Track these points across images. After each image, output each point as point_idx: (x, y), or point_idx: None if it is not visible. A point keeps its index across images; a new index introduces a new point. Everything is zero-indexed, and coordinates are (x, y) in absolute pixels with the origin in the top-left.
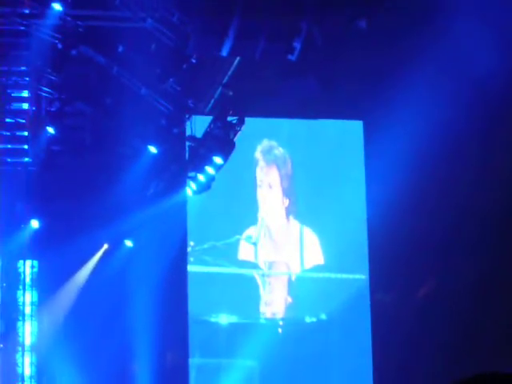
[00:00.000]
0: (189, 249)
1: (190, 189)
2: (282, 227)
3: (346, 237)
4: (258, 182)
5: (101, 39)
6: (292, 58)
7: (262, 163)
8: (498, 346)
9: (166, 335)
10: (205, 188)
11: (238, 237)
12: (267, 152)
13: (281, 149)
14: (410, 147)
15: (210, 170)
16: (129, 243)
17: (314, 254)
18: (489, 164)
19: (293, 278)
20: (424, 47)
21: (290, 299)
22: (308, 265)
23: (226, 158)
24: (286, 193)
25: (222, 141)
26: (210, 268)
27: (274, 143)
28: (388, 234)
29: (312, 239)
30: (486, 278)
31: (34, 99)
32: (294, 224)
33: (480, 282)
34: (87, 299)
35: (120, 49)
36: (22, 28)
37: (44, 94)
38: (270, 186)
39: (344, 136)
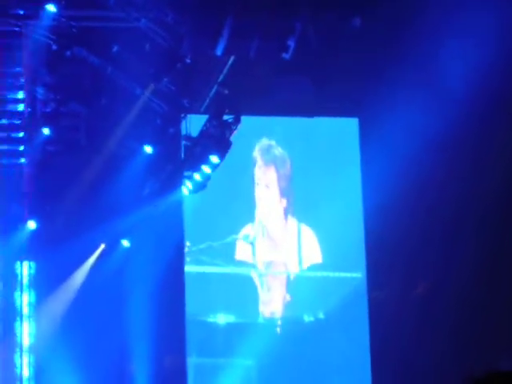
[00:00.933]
0: (185, 249)
1: (186, 188)
2: (280, 226)
3: (342, 235)
4: (256, 181)
5: (95, 40)
6: (286, 56)
7: (260, 162)
8: (498, 343)
9: (163, 335)
10: (201, 187)
11: (234, 236)
12: (266, 151)
13: (280, 148)
14: (406, 144)
15: (206, 169)
16: (126, 243)
17: (312, 252)
18: (487, 160)
19: (291, 278)
20: (419, 44)
21: (288, 298)
22: (306, 264)
23: (222, 156)
24: (284, 192)
25: (217, 140)
26: (207, 268)
27: (273, 142)
28: (385, 231)
29: (310, 238)
30: (485, 275)
31: (29, 100)
32: (292, 223)
33: (478, 280)
34: (85, 300)
35: (114, 49)
36: (17, 29)
37: (39, 95)
38: (268, 186)
39: (339, 134)
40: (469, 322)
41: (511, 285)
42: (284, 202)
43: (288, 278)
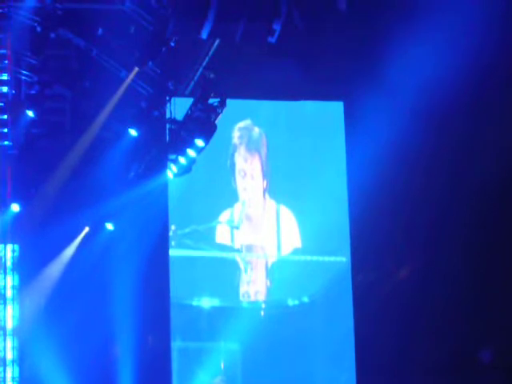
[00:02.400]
0: (170, 233)
1: (171, 171)
2: (260, 211)
3: (326, 219)
4: (239, 172)
5: (80, 22)
6: (272, 40)
7: (242, 152)
8: (480, 326)
9: (148, 319)
10: (186, 170)
11: (217, 221)
12: (247, 138)
13: (257, 128)
14: (391, 128)
15: (191, 152)
16: (110, 226)
17: (292, 236)
18: (475, 143)
19: (270, 263)
20: (405, 28)
21: (269, 283)
22: (287, 247)
23: (207, 140)
24: (265, 175)
25: (203, 123)
26: (192, 252)
27: (248, 123)
28: (370, 215)
29: (290, 221)
30: (474, 261)
31: (14, 82)
32: (271, 205)
33: (464, 263)
34: (68, 283)
35: (99, 32)
36: (1, 11)
37: (23, 77)
38: (253, 177)
39: (325, 117)
40: (454, 304)
41: (501, 267)
42: (265, 183)
43: (266, 262)
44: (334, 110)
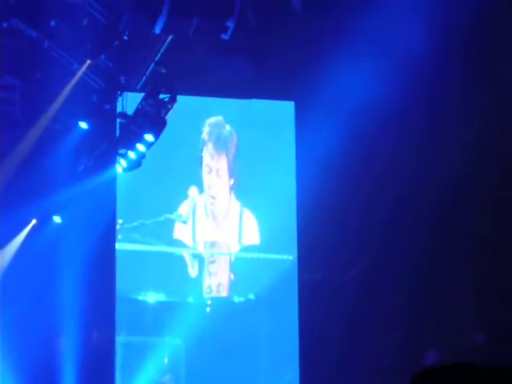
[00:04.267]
0: (117, 226)
1: (120, 166)
2: (225, 207)
3: (276, 217)
4: (205, 167)
5: (32, 12)
6: (225, 37)
7: (211, 149)
8: (426, 328)
9: (93, 312)
10: (135, 165)
11: (167, 215)
12: (216, 136)
13: (228, 126)
14: (342, 128)
15: (140, 147)
16: (57, 219)
17: (251, 234)
18: (429, 139)
19: (231, 259)
20: (358, 27)
21: (232, 276)
22: (244, 244)
23: (157, 135)
24: (232, 174)
25: (153, 118)
26: (139, 246)
27: (220, 119)
28: (317, 215)
29: (250, 219)
30: (419, 261)
31: None
32: (235, 202)
33: (411, 265)
34: (14, 275)
35: (52, 23)
36: None
37: None
38: (218, 175)
39: (276, 116)
40: (402, 307)
41: (449, 269)
42: (231, 181)
43: (229, 259)
44: (285, 109)
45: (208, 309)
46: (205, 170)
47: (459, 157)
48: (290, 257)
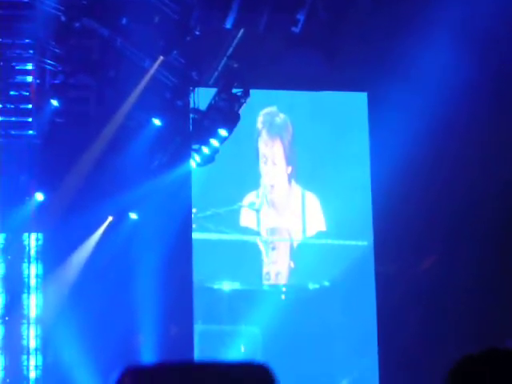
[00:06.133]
0: (192, 216)
1: (194, 161)
2: (284, 194)
3: (349, 203)
4: (261, 157)
5: (104, 11)
6: (296, 30)
7: (264, 136)
8: (502, 320)
9: (170, 303)
10: (209, 160)
11: (240, 204)
12: (269, 123)
13: (281, 115)
14: (415, 118)
15: (214, 142)
16: (133, 216)
17: (317, 220)
18: (501, 132)
19: (294, 245)
20: (431, 17)
21: (292, 265)
22: (310, 231)
23: (230, 130)
24: (289, 161)
25: (226, 113)
26: (213, 235)
27: (274, 109)
28: (392, 202)
29: (314, 205)
30: (498, 250)
31: (38, 72)
32: (296, 190)
33: (490, 255)
34: (92, 271)
35: (123, 21)
36: (26, 0)
37: (48, 67)
38: (274, 163)
39: (348, 108)
40: (478, 297)
41: None
42: (289, 169)
43: (292, 245)
44: (358, 100)
45: (283, 296)
46: (261, 160)
47: None
48: (364, 243)
